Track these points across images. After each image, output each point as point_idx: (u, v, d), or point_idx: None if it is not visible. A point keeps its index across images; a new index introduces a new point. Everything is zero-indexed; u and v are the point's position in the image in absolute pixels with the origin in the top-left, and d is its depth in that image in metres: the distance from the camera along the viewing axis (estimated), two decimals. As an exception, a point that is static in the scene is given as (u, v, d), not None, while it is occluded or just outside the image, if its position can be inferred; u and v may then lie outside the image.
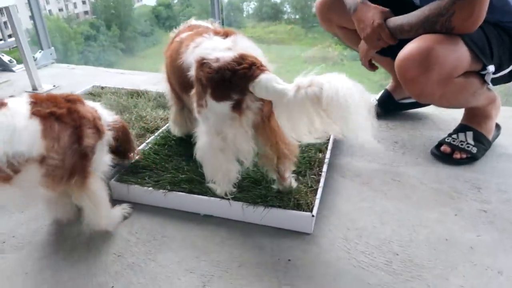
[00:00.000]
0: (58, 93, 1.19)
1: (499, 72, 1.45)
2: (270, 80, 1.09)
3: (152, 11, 14.93)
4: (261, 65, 1.13)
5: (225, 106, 1.14)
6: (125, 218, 1.32)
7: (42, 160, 1.04)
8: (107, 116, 1.31)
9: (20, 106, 1.05)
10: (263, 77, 1.09)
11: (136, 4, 15.78)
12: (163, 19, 14.43)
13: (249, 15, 14.95)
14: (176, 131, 1.67)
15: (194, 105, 1.24)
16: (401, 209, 1.34)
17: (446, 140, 1.62)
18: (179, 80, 1.34)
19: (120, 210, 1.33)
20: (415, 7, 1.41)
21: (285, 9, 14.82)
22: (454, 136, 1.62)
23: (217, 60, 1.14)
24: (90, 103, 1.25)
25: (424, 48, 1.32)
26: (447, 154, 1.59)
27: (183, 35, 1.39)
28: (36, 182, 1.07)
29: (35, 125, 1.04)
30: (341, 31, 1.81)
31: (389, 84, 1.98)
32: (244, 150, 1.21)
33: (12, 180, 1.02)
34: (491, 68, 1.40)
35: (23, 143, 1.01)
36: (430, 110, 1.99)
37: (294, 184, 1.35)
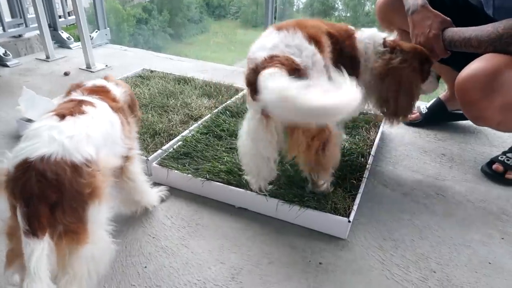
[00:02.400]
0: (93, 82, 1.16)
1: None
2: None
3: (204, -1, 15.15)
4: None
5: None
6: (162, 200, 1.36)
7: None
8: (119, 93, 1.19)
9: (100, 102, 1.06)
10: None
11: (189, -10, 16.06)
12: (213, 8, 14.59)
13: (299, 10, 14.79)
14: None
15: None
16: (443, 225, 1.28)
17: (499, 158, 1.53)
18: None
19: (158, 192, 1.36)
20: (486, 18, 1.31)
21: (336, 5, 14.54)
22: (509, 155, 1.52)
23: None
24: (99, 81, 1.17)
25: (491, 70, 1.21)
26: (499, 173, 1.50)
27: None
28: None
29: (118, 118, 1.09)
30: (402, 34, 1.72)
31: (443, 93, 1.89)
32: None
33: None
34: None
35: (125, 134, 1.09)
36: (484, 124, 1.88)
37: (330, 189, 1.31)
